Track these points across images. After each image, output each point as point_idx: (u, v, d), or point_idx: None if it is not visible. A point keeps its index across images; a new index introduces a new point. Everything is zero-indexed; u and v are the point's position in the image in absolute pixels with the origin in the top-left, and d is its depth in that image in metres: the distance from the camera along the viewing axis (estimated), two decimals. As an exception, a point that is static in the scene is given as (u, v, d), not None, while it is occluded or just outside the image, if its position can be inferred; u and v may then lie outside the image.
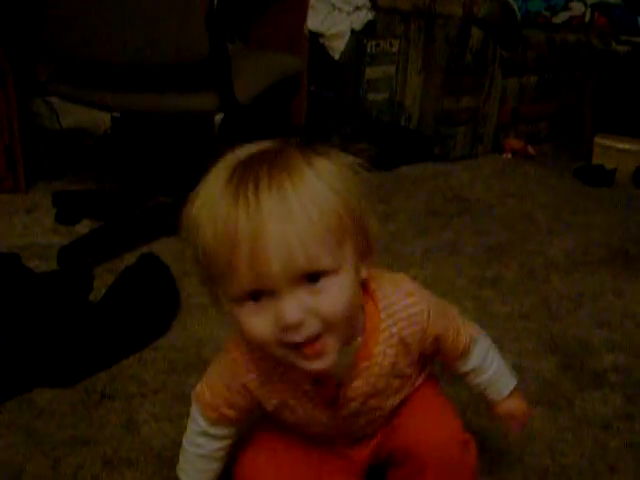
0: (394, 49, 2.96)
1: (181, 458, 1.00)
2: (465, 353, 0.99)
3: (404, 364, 0.91)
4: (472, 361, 1.01)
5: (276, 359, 0.80)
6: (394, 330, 0.88)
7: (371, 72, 2.94)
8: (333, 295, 0.73)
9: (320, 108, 3.01)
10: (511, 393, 1.05)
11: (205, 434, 0.95)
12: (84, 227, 2.06)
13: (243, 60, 1.83)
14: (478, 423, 1.26)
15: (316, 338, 0.74)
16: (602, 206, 2.53)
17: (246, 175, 0.73)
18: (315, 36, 2.84)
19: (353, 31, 2.91)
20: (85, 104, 1.88)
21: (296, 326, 0.72)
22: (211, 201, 0.74)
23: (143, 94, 1.71)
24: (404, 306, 0.88)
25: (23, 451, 1.18)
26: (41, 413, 1.27)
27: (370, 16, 2.94)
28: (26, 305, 1.39)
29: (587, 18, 3.59)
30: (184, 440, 0.99)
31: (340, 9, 2.83)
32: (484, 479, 1.12)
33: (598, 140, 2.97)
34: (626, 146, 2.89)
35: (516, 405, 1.06)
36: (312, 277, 0.72)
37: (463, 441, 0.95)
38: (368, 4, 2.93)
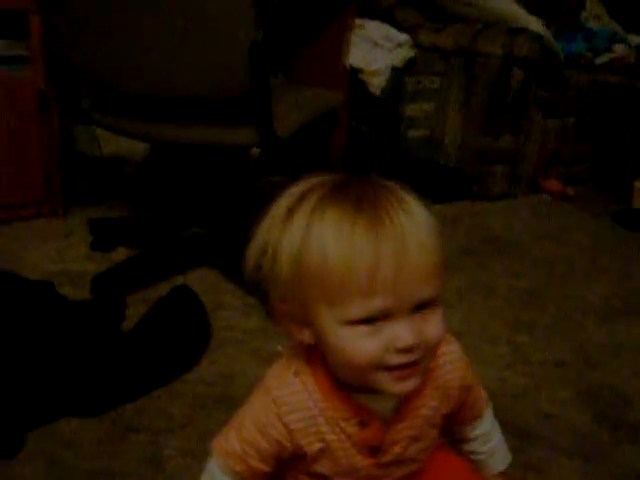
0: (435, 86, 2.96)
1: None
2: (480, 413, 0.98)
3: (442, 412, 0.90)
4: (484, 424, 0.99)
5: (325, 398, 0.82)
6: (438, 373, 0.88)
7: (411, 109, 2.93)
8: (437, 323, 0.77)
9: (358, 144, 3.01)
10: (502, 472, 1.02)
11: None
12: (119, 255, 2.06)
13: (283, 94, 1.84)
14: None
15: (416, 362, 0.76)
16: (642, 252, 2.48)
17: (369, 200, 0.75)
18: (355, 72, 2.85)
19: (394, 67, 2.92)
20: (125, 134, 1.90)
21: (411, 349, 0.74)
22: (336, 223, 0.74)
23: (183, 126, 1.72)
24: (447, 351, 0.89)
25: (45, 481, 1.17)
26: (66, 443, 1.27)
27: (411, 53, 2.94)
28: (58, 333, 1.39)
29: (631, 60, 3.56)
30: None
31: (381, 46, 2.84)
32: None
33: (638, 184, 2.92)
34: (667, 191, 2.84)
35: None
36: (421, 305, 0.75)
37: None
38: (410, 41, 2.93)
